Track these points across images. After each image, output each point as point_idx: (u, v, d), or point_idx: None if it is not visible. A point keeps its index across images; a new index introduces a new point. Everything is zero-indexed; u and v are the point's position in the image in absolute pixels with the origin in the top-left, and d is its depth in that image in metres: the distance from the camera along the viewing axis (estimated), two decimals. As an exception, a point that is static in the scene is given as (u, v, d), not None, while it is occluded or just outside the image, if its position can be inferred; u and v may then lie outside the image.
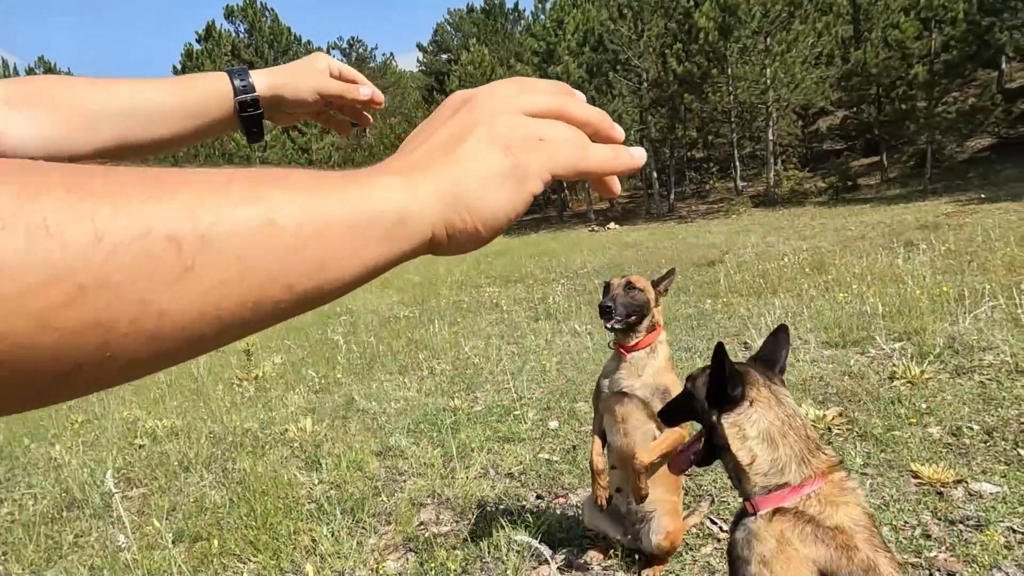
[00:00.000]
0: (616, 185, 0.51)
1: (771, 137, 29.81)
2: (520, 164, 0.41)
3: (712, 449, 1.64)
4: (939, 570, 2.69)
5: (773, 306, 7.82)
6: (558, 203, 38.60)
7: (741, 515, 1.58)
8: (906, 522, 3.08)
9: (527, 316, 9.67)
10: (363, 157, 44.70)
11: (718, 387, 1.57)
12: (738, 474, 1.58)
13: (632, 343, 2.68)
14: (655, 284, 2.75)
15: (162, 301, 0.27)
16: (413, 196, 0.37)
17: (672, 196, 34.40)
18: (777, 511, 1.47)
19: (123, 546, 2.97)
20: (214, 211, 0.29)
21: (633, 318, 2.64)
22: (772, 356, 1.71)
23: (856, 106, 32.35)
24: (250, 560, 3.46)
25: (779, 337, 1.75)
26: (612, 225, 30.09)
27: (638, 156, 0.48)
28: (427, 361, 7.56)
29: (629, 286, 2.67)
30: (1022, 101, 28.52)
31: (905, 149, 29.86)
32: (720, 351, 1.55)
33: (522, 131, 0.42)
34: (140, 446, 5.66)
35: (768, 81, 28.10)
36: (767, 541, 1.44)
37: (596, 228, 29.93)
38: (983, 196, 19.06)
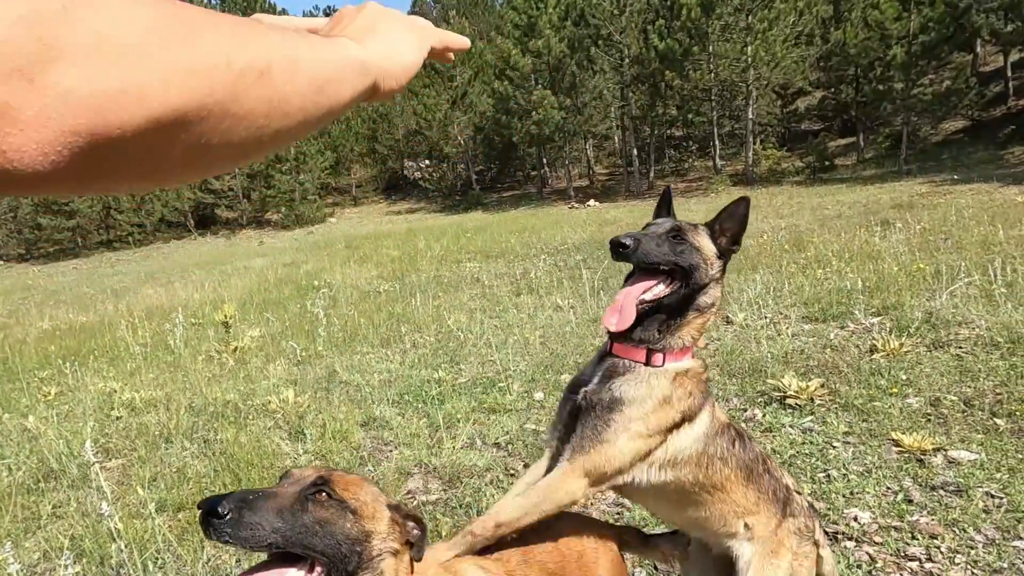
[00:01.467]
0: (458, 46, 0.79)
1: (750, 116, 29.88)
2: (418, 37, 0.65)
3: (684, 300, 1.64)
4: (921, 533, 2.76)
5: (754, 281, 7.89)
6: (538, 180, 38.41)
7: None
8: (888, 488, 3.15)
9: (509, 291, 9.65)
10: (340, 130, 43.91)
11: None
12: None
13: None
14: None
15: (264, 96, 0.41)
16: (367, 52, 0.55)
17: (652, 174, 34.42)
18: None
19: (106, 514, 2.91)
20: (292, 49, 0.44)
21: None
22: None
23: (834, 86, 32.54)
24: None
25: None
26: (592, 202, 30.07)
27: (466, 39, 0.81)
28: (409, 335, 7.51)
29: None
30: (995, 84, 28.96)
31: (881, 130, 30.18)
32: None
33: (411, 20, 0.67)
34: (117, 418, 5.56)
35: (749, 59, 28.08)
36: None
37: (576, 205, 29.89)
38: (956, 177, 19.40)
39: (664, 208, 1.84)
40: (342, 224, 36.54)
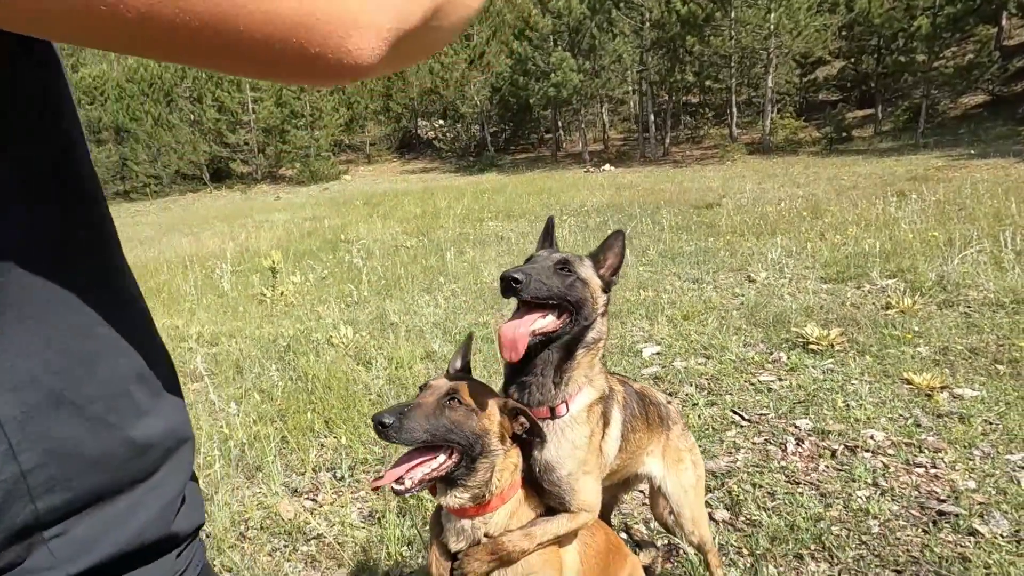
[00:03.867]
0: None
1: (770, 84, 29.81)
2: None
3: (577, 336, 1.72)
4: (928, 448, 3.25)
5: (774, 245, 8.29)
6: (552, 143, 38.45)
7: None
8: (900, 415, 3.64)
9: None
10: (355, 86, 43.79)
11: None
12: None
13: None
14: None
15: None
16: None
17: (667, 140, 34.49)
18: None
19: (233, 412, 3.40)
20: None
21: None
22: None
23: (855, 56, 32.31)
24: (327, 436, 3.94)
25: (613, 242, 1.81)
26: (607, 166, 30.24)
27: None
28: (447, 284, 7.98)
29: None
30: (1018, 59, 28.72)
31: (900, 103, 30.08)
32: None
33: None
34: (189, 348, 6.07)
35: (772, 26, 27.90)
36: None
37: (591, 169, 30.07)
38: (973, 152, 19.54)
39: (547, 239, 1.80)
40: (357, 182, 36.79)
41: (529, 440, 1.67)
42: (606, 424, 1.78)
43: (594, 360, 1.68)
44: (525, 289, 1.49)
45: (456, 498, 1.57)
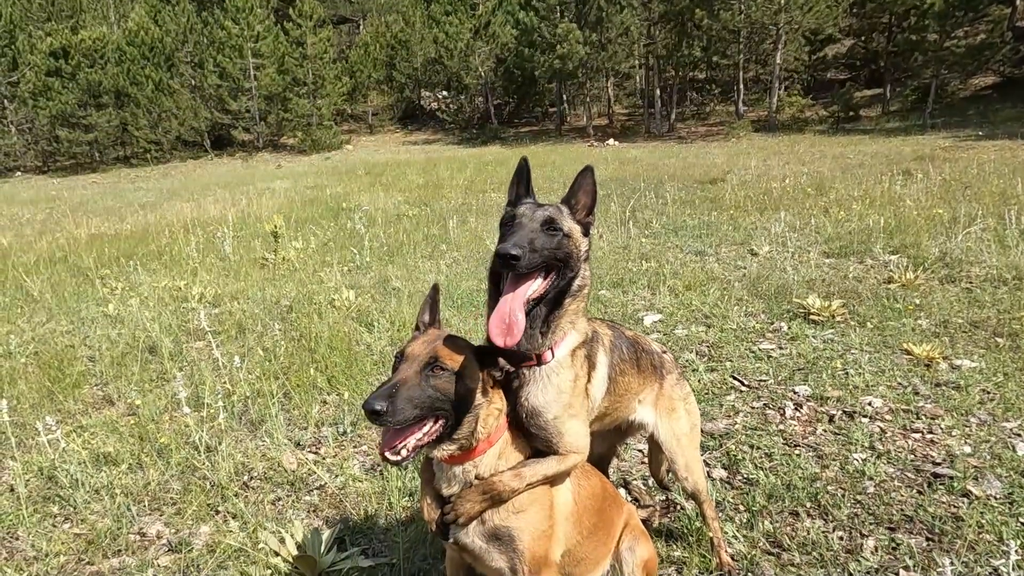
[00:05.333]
0: None
1: (778, 61, 29.41)
2: None
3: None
4: (925, 415, 3.28)
5: (778, 220, 8.27)
6: (556, 117, 38.07)
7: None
8: (899, 383, 3.66)
9: (539, 218, 10.03)
10: (358, 55, 43.24)
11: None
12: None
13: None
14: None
15: None
16: None
17: (673, 116, 34.15)
18: None
19: (237, 365, 3.42)
20: None
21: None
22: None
23: (866, 34, 31.83)
24: (330, 393, 3.98)
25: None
26: (611, 141, 30.00)
27: None
28: (449, 252, 7.98)
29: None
30: (1031, 40, 28.27)
31: (909, 83, 29.71)
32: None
33: None
34: (192, 308, 6.09)
35: (782, 1, 27.46)
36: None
37: (595, 143, 29.83)
38: (980, 133, 19.38)
39: (523, 185, 1.76)
40: (359, 152, 36.50)
41: (513, 384, 1.70)
42: (592, 367, 1.81)
43: (580, 307, 1.70)
44: (521, 264, 1.51)
45: (444, 450, 1.61)
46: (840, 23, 31.43)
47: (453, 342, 1.61)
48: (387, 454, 1.54)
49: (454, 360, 1.57)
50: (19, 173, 35.63)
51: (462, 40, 37.71)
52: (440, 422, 1.57)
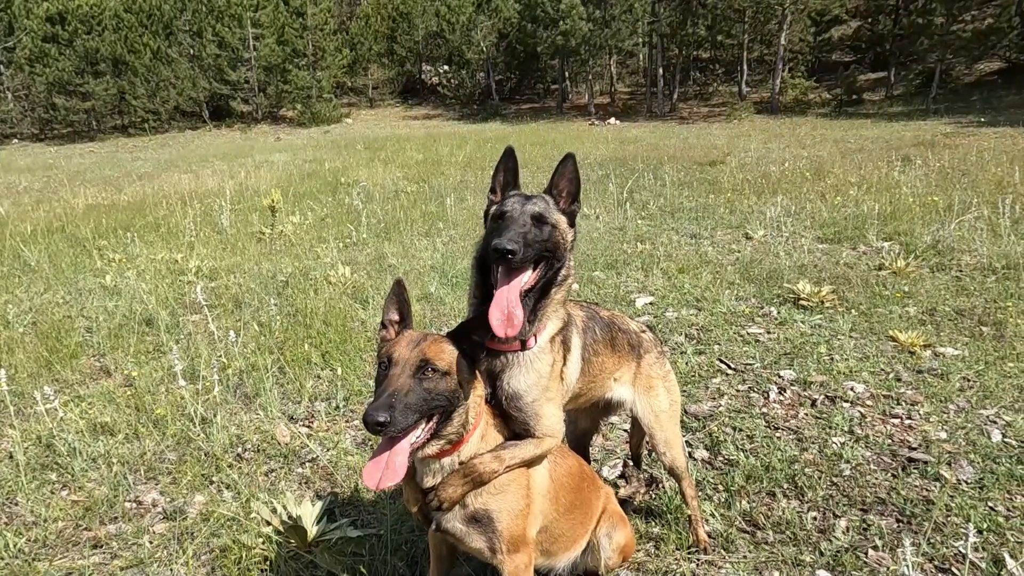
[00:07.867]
0: None
1: (783, 42, 29.13)
2: None
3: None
4: (905, 401, 3.36)
5: (774, 204, 8.28)
6: (558, 94, 37.74)
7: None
8: (882, 370, 3.73)
9: (537, 198, 10.03)
10: (359, 27, 42.69)
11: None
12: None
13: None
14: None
15: None
16: None
17: (675, 96, 33.89)
18: None
19: (232, 340, 3.48)
20: None
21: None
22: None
23: (872, 16, 31.47)
24: (324, 368, 4.04)
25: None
26: (612, 120, 29.81)
27: None
28: (446, 230, 8.00)
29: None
30: (1039, 26, 27.98)
31: (913, 67, 29.47)
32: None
33: None
34: (189, 282, 6.13)
35: (788, -20, 27.14)
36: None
37: (596, 122, 29.64)
38: (983, 120, 19.29)
39: (509, 173, 1.82)
40: (358, 125, 36.24)
41: (496, 368, 1.76)
42: (567, 351, 1.87)
43: (565, 295, 1.78)
44: (517, 259, 1.57)
45: (433, 446, 1.65)
46: (847, 4, 31.06)
47: (437, 341, 1.65)
48: (386, 479, 1.54)
49: (445, 360, 1.61)
50: (16, 140, 35.36)
51: (464, 14, 37.24)
52: (434, 420, 1.60)
